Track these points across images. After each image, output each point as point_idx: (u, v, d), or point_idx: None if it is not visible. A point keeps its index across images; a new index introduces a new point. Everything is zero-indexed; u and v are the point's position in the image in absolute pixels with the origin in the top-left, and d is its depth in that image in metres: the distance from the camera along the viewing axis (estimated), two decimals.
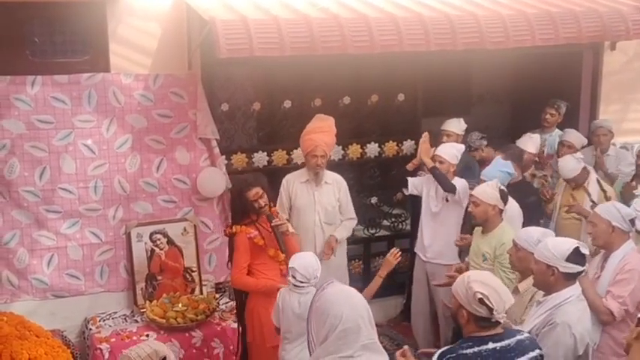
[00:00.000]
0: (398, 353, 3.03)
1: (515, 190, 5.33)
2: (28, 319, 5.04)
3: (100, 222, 5.55)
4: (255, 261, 4.90)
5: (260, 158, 6.15)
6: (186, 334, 5.27)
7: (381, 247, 6.71)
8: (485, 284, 2.92)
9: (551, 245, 3.41)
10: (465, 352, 2.85)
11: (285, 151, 6.24)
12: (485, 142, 6.24)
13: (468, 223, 5.53)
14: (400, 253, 4.73)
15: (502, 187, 4.94)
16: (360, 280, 6.27)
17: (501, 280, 4.32)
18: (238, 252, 4.87)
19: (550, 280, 3.40)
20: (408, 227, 6.86)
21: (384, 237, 6.83)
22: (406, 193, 6.03)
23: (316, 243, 5.49)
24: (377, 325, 2.69)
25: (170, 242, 5.73)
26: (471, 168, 6.09)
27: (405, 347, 3.07)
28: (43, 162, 5.31)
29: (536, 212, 5.66)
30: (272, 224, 4.86)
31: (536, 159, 6.42)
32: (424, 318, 5.98)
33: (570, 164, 5.69)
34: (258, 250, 4.88)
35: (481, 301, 2.86)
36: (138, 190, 5.61)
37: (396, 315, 6.73)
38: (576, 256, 3.36)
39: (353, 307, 2.55)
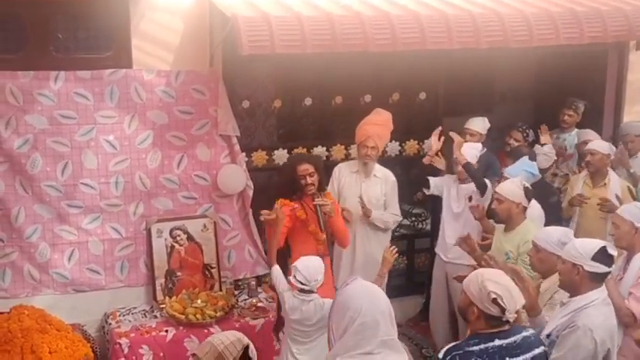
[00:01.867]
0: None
1: (535, 190, 5.27)
2: (48, 312, 5.12)
3: (120, 217, 5.57)
4: (294, 237, 4.97)
5: (280, 155, 6.15)
6: (205, 331, 5.26)
7: (401, 246, 6.66)
8: (499, 284, 2.90)
9: (579, 244, 3.39)
10: (471, 349, 2.84)
11: (305, 149, 6.23)
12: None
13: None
14: (396, 249, 4.74)
15: (527, 185, 4.89)
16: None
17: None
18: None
19: (575, 280, 3.35)
20: (428, 227, 6.83)
21: (404, 236, 6.80)
22: (427, 193, 6.00)
23: (356, 234, 5.58)
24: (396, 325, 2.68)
25: (190, 238, 5.74)
26: (492, 166, 6.04)
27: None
28: (65, 157, 5.35)
29: (556, 213, 5.60)
30: (314, 202, 4.93)
31: (556, 158, 6.36)
32: (443, 318, 5.95)
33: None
34: (298, 225, 4.96)
35: (494, 300, 2.85)
36: (158, 186, 5.63)
37: (415, 314, 6.70)
38: (603, 256, 3.31)
39: (373, 302, 2.54)
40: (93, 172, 5.43)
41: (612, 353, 3.31)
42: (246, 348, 2.55)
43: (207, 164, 5.73)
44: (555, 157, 6.32)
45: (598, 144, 5.91)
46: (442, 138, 5.82)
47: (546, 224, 4.98)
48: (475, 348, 2.84)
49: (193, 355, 2.66)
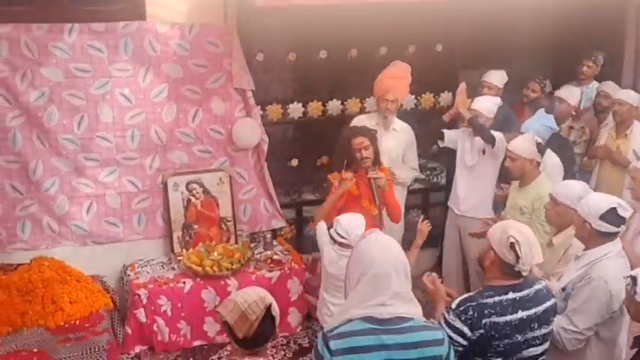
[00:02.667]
0: (425, 278, 3.12)
1: (551, 144, 5.23)
2: (68, 264, 5.20)
3: (137, 171, 5.61)
4: (347, 212, 4.88)
5: (295, 109, 6.13)
6: (222, 282, 5.35)
7: (416, 200, 6.69)
8: (521, 233, 2.89)
9: (591, 201, 3.36)
10: (485, 301, 2.85)
11: (320, 102, 6.20)
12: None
13: (504, 178, 5.46)
14: (428, 220, 4.73)
15: (539, 140, 4.85)
16: None
17: (538, 233, 4.30)
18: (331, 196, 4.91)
19: (585, 235, 3.36)
20: (444, 181, 6.82)
21: (419, 190, 6.79)
22: (441, 146, 5.98)
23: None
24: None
25: (206, 192, 5.78)
26: (510, 121, 5.99)
27: (433, 274, 3.10)
28: (81, 110, 5.36)
29: (571, 167, 5.56)
30: (368, 175, 4.87)
31: (574, 112, 6.29)
32: (455, 271, 5.98)
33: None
34: (352, 200, 4.91)
35: (512, 246, 2.84)
36: (174, 140, 5.65)
37: (430, 267, 6.72)
38: (612, 216, 3.29)
39: (386, 255, 2.55)
40: (109, 126, 5.45)
41: None
42: (269, 307, 2.56)
43: (223, 118, 5.73)
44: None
45: (627, 94, 5.77)
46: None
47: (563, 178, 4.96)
48: (489, 300, 2.85)
49: (217, 312, 2.69)
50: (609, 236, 3.33)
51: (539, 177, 4.81)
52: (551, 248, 3.97)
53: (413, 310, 2.58)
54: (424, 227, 4.63)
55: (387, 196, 5.04)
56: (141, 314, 5.20)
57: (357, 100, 6.31)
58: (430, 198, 6.86)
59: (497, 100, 5.68)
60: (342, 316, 2.62)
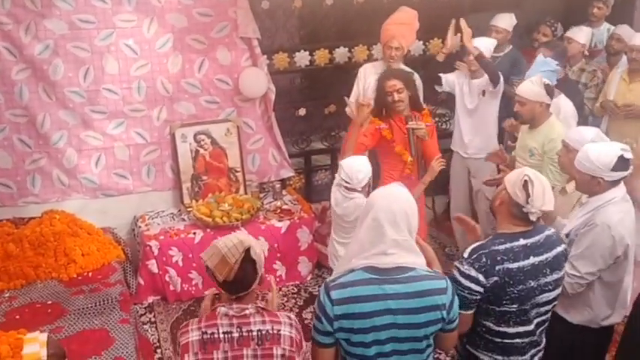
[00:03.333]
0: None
1: (559, 89, 5.13)
2: (80, 217, 5.24)
3: (144, 123, 5.60)
4: (383, 158, 4.87)
5: (302, 58, 6.05)
6: (232, 233, 5.37)
7: None
8: (538, 178, 2.86)
9: (594, 157, 3.27)
10: (497, 248, 2.84)
11: (327, 50, 6.11)
12: None
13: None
14: (444, 160, 4.68)
15: (547, 82, 4.77)
16: None
17: (551, 174, 4.27)
18: (361, 136, 4.77)
19: (595, 189, 3.32)
20: (452, 127, 6.75)
21: None
22: (439, 91, 5.89)
23: None
24: None
25: (214, 143, 5.77)
26: (518, 64, 5.88)
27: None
28: (87, 62, 5.32)
29: (581, 112, 5.49)
30: (408, 125, 4.74)
31: (586, 53, 6.17)
32: (465, 214, 5.94)
33: None
34: (384, 145, 4.82)
35: (525, 184, 2.82)
36: (180, 91, 5.61)
37: (439, 214, 6.75)
38: (622, 164, 3.26)
39: (390, 200, 2.56)
40: (114, 78, 5.41)
41: (630, 249, 3.31)
42: (248, 250, 2.58)
43: (229, 68, 5.67)
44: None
45: None
46: (459, 34, 5.60)
47: None
48: (501, 247, 2.84)
49: (200, 257, 2.73)
50: (619, 181, 3.31)
51: (549, 119, 4.74)
52: (565, 195, 3.94)
53: (414, 259, 2.59)
54: (436, 165, 4.59)
55: (427, 145, 4.82)
56: (153, 265, 5.27)
57: (365, 47, 6.21)
58: (440, 144, 6.79)
59: (494, 41, 5.58)
60: (344, 266, 2.64)
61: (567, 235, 3.35)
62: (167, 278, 5.31)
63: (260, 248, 2.68)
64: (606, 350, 3.66)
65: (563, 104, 4.91)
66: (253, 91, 5.71)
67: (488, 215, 5.37)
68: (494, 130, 5.58)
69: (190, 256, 5.31)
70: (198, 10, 5.45)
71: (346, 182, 4.16)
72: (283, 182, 6.14)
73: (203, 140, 5.75)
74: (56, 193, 5.49)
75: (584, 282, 3.28)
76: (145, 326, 4.99)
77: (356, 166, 4.16)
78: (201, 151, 5.76)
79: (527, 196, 2.81)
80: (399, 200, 2.59)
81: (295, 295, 5.49)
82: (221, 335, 2.60)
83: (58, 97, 5.32)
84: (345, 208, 4.19)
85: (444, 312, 2.59)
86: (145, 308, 5.32)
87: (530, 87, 4.67)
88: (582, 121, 5.69)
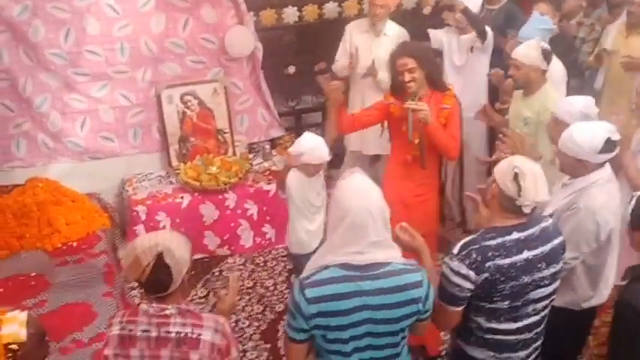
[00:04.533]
0: (397, 230, 2.79)
1: (553, 46, 4.92)
2: (67, 181, 5.18)
3: (129, 84, 5.47)
4: (393, 136, 4.47)
5: (290, 14, 5.88)
6: (220, 197, 5.33)
7: None
8: (528, 167, 2.70)
9: (580, 139, 3.14)
10: (488, 243, 2.69)
11: (316, 6, 5.94)
12: None
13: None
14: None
15: (545, 46, 4.59)
16: None
17: (548, 146, 4.13)
18: (370, 109, 4.45)
19: (580, 172, 3.21)
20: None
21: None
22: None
23: (364, 95, 5.32)
24: None
25: (201, 104, 5.66)
26: (514, 18, 5.64)
27: (404, 223, 2.86)
28: (67, 23, 5.16)
29: (576, 70, 5.31)
30: (406, 104, 4.07)
31: (584, 3, 5.94)
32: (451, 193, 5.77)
33: None
34: (394, 123, 4.34)
35: (515, 176, 2.68)
36: (165, 51, 5.47)
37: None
38: (608, 145, 3.14)
39: (363, 203, 2.44)
40: (96, 39, 5.27)
41: (615, 232, 3.22)
42: (161, 254, 2.49)
43: (214, 26, 5.51)
44: None
45: None
46: None
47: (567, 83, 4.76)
48: (492, 242, 2.69)
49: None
50: (603, 163, 3.20)
51: (544, 86, 4.57)
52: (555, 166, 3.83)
53: (391, 254, 2.52)
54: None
55: (430, 130, 4.08)
56: (141, 230, 5.21)
57: (355, 1, 6.02)
58: None
59: None
60: (317, 262, 2.57)
61: (550, 216, 3.25)
62: None
63: (185, 251, 2.53)
64: (588, 332, 3.63)
65: (554, 68, 4.73)
66: (240, 50, 5.57)
67: (478, 175, 5.29)
68: (483, 87, 5.42)
69: (178, 221, 5.26)
70: None
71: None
72: (273, 142, 6.04)
73: (190, 101, 5.64)
74: (42, 157, 5.41)
75: (567, 267, 3.20)
76: (132, 292, 4.98)
77: (300, 140, 4.04)
78: (188, 112, 5.65)
79: (519, 189, 2.68)
80: (372, 197, 2.49)
81: (284, 259, 5.46)
82: (138, 333, 2.51)
83: (40, 59, 5.18)
84: (294, 189, 4.12)
85: (420, 305, 2.52)
86: None
87: (527, 51, 4.47)
88: (579, 77, 5.54)
